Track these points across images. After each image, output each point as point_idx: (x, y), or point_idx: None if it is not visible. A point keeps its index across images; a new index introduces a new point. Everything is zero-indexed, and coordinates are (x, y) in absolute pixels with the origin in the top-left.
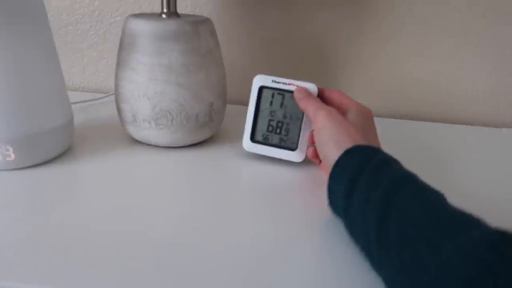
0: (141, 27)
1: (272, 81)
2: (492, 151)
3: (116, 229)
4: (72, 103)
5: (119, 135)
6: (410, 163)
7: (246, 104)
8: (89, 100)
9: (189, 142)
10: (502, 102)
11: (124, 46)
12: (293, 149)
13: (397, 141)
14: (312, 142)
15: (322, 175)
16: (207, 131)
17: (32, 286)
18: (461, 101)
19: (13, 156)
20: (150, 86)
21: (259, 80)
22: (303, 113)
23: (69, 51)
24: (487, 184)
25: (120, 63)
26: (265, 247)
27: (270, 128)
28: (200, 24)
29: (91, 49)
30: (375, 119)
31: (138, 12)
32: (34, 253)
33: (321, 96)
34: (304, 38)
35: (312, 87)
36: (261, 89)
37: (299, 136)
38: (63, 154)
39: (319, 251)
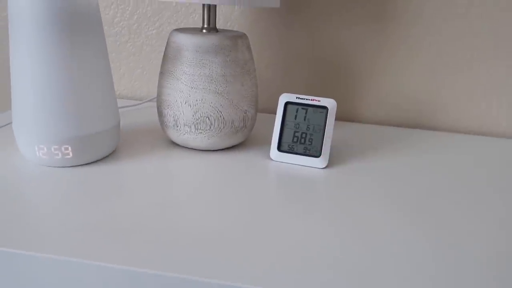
0: (185, 41)
1: (296, 97)
2: (503, 162)
3: (157, 219)
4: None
5: (158, 138)
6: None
7: (273, 112)
8: (128, 106)
9: (224, 146)
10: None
11: (169, 58)
12: (317, 156)
13: (411, 149)
14: None
15: (341, 179)
16: (240, 136)
17: (94, 262)
18: (467, 113)
19: (71, 154)
20: (192, 94)
21: (284, 97)
22: (324, 124)
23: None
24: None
25: (164, 73)
26: (293, 238)
27: (295, 139)
28: (238, 38)
29: (128, 59)
30: (388, 128)
31: (173, 25)
32: (93, 235)
33: None
34: (324, 53)
35: (332, 103)
36: (286, 104)
37: (322, 144)
38: (111, 154)
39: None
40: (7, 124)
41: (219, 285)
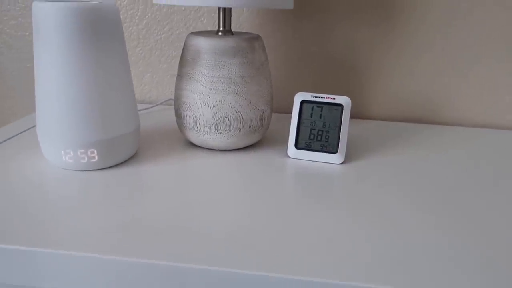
0: (203, 44)
1: (311, 96)
2: (509, 154)
3: (184, 218)
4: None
5: (176, 140)
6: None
7: (285, 112)
8: (141, 110)
9: (243, 145)
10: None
11: (188, 61)
12: (334, 153)
13: (420, 143)
14: None
15: (358, 174)
16: (258, 135)
17: (119, 257)
18: (475, 106)
19: (97, 158)
20: (211, 95)
21: (300, 96)
22: (340, 121)
23: None
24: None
25: (183, 75)
26: (315, 232)
27: (312, 136)
28: (254, 40)
29: (138, 63)
30: (398, 124)
31: (183, 29)
32: (121, 233)
33: None
34: (333, 51)
35: (347, 101)
36: (302, 103)
37: (338, 141)
38: (133, 157)
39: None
40: (28, 129)
41: (247, 275)
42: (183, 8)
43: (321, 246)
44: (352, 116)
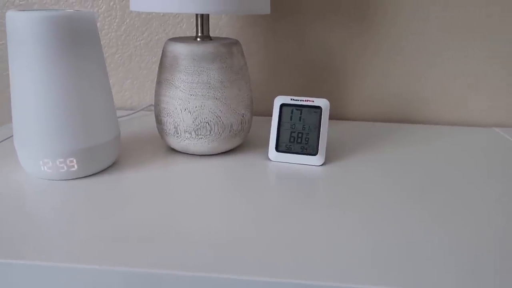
0: (181, 50)
1: (291, 99)
2: (482, 149)
3: (166, 225)
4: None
5: (157, 146)
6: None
7: (265, 115)
8: (122, 116)
9: (224, 150)
10: (490, 106)
11: (166, 67)
12: (314, 154)
13: (396, 142)
14: None
15: (339, 175)
16: (238, 139)
17: (101, 267)
18: (452, 106)
19: (76, 166)
20: (191, 101)
21: (279, 100)
22: (319, 123)
23: None
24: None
25: (162, 82)
26: (294, 235)
27: (292, 139)
28: (232, 45)
29: (117, 70)
30: (375, 124)
31: (162, 35)
32: (102, 242)
33: None
34: (310, 54)
35: (325, 103)
36: (281, 106)
37: (318, 143)
38: (113, 164)
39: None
40: (5, 139)
41: (230, 280)
42: (161, 14)
43: (302, 246)
44: (330, 118)
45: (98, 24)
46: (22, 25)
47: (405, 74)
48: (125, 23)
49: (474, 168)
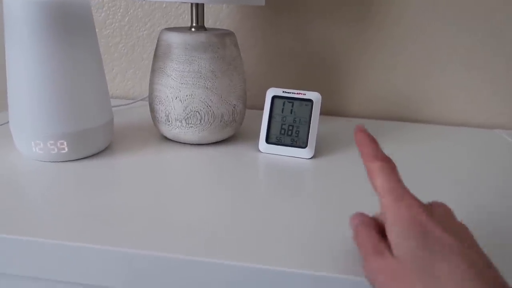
0: (175, 39)
1: (283, 91)
2: (483, 151)
3: (151, 209)
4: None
5: (150, 134)
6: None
7: (259, 108)
8: (122, 105)
9: (214, 140)
10: (491, 107)
11: (160, 55)
12: (303, 147)
13: (397, 141)
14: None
15: (327, 169)
16: (230, 130)
17: (89, 244)
18: (443, 106)
19: (66, 149)
20: (182, 90)
21: (271, 92)
22: (310, 116)
23: None
24: (480, 183)
25: (156, 70)
26: (279, 224)
27: (283, 131)
28: (225, 36)
29: (120, 60)
30: (376, 122)
31: (165, 26)
32: (88, 223)
33: None
34: (313, 48)
35: (317, 96)
36: (273, 98)
37: (308, 136)
38: (105, 150)
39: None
40: (3, 124)
41: (209, 263)
42: (164, 5)
43: (288, 237)
44: (330, 114)
45: (102, 15)
46: (17, 9)
47: (408, 72)
48: (128, 13)
49: (470, 170)
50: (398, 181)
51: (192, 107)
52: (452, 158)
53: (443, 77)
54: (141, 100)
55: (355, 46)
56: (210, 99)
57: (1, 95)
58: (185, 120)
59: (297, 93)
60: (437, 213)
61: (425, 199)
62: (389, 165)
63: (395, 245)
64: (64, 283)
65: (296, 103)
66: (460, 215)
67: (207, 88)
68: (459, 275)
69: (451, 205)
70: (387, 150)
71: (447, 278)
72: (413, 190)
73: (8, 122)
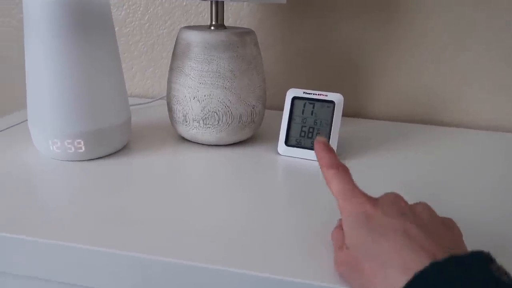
0: (194, 37)
1: (303, 92)
2: (505, 155)
3: (167, 210)
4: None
5: (168, 134)
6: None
7: (279, 109)
8: (140, 104)
9: (232, 141)
10: None
11: (178, 54)
12: None
13: (424, 145)
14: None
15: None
16: (248, 131)
17: (103, 248)
18: (473, 109)
19: (83, 148)
20: (200, 89)
21: (291, 92)
22: (332, 118)
23: (121, 60)
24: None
25: (174, 69)
26: (299, 228)
27: (303, 134)
28: (245, 35)
29: (140, 58)
30: (402, 124)
31: (185, 25)
32: (103, 224)
33: None
34: (334, 48)
35: (339, 98)
36: (293, 99)
37: (329, 139)
38: (122, 149)
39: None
40: (22, 122)
41: (220, 271)
42: (184, 3)
43: (306, 244)
44: (353, 116)
45: (122, 13)
46: (35, 7)
47: (437, 73)
48: (148, 11)
49: (502, 177)
50: (350, 182)
51: (210, 108)
52: (483, 164)
53: (475, 79)
54: (160, 99)
55: (375, 45)
56: (229, 100)
57: (22, 94)
58: (203, 121)
59: (318, 94)
60: (383, 202)
61: (451, 207)
62: (342, 169)
63: (347, 237)
64: (78, 286)
65: (317, 104)
66: (479, 228)
67: (225, 88)
68: (398, 246)
69: (481, 213)
70: (406, 154)
71: (387, 251)
72: (437, 197)
73: (27, 120)
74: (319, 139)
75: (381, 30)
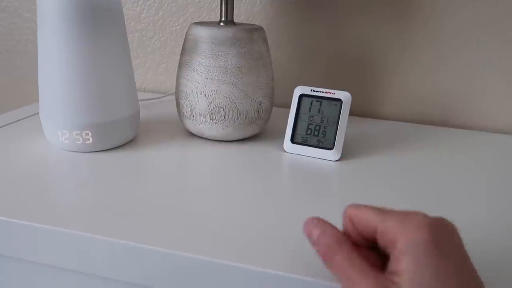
0: (202, 33)
1: (311, 90)
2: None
3: (171, 203)
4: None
5: (176, 129)
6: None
7: (289, 107)
8: (151, 99)
9: (239, 137)
10: None
11: (187, 50)
12: (330, 149)
13: (437, 148)
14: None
15: (353, 170)
16: (255, 127)
17: (104, 237)
18: (491, 110)
19: (91, 140)
20: (207, 85)
21: (299, 90)
22: (338, 117)
23: (134, 55)
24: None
25: (182, 64)
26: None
27: (309, 131)
28: (253, 31)
29: (153, 54)
30: (413, 125)
31: (198, 20)
32: (105, 214)
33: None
34: (345, 46)
35: (346, 96)
36: (301, 97)
37: (335, 137)
38: (130, 142)
39: None
40: (34, 114)
41: (220, 265)
42: (197, 0)
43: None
44: (361, 115)
45: (137, 9)
46: (49, 1)
47: (450, 75)
48: (162, 8)
49: (499, 180)
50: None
51: (217, 103)
52: (485, 166)
53: (493, 78)
54: (171, 94)
55: (389, 44)
56: (235, 95)
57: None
58: (209, 116)
59: (325, 92)
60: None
61: (447, 209)
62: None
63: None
64: (84, 274)
65: (324, 102)
66: (486, 232)
67: (232, 84)
68: None
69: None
70: (414, 155)
71: None
72: (434, 198)
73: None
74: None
75: (393, 28)
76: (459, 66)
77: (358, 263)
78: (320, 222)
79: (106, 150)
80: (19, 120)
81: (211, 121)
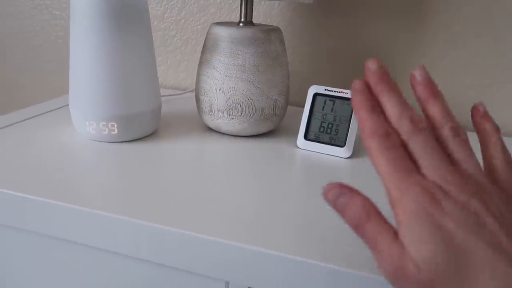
0: (222, 33)
1: (325, 89)
2: None
3: (189, 190)
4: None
5: (195, 123)
6: None
7: (303, 105)
8: (172, 95)
9: (254, 132)
10: None
11: (208, 48)
12: (341, 146)
13: None
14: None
15: (364, 167)
16: (270, 124)
17: (125, 217)
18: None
19: (116, 130)
20: (226, 82)
21: (313, 89)
22: (351, 116)
23: (157, 53)
24: None
25: (203, 62)
26: (312, 215)
27: (322, 129)
28: (271, 32)
29: (175, 52)
30: None
31: (218, 21)
32: (129, 198)
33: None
34: (363, 49)
35: None
36: (315, 96)
37: (347, 135)
38: (151, 135)
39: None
40: (64, 106)
41: (232, 246)
42: (218, 1)
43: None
44: None
45: (161, 8)
46: (81, 1)
47: (463, 77)
48: (185, 8)
49: None
50: (404, 160)
51: (234, 99)
52: None
53: (502, 84)
54: (190, 91)
55: (411, 49)
56: (252, 92)
57: (64, 82)
58: (227, 111)
59: (339, 92)
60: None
61: None
62: (392, 138)
63: (413, 250)
64: (106, 251)
65: (337, 101)
66: None
67: (249, 81)
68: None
69: None
70: None
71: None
72: None
73: (67, 105)
74: (357, 83)
75: (412, 32)
76: (477, 72)
77: (386, 229)
78: (344, 189)
79: (130, 141)
80: (48, 111)
81: (228, 117)
